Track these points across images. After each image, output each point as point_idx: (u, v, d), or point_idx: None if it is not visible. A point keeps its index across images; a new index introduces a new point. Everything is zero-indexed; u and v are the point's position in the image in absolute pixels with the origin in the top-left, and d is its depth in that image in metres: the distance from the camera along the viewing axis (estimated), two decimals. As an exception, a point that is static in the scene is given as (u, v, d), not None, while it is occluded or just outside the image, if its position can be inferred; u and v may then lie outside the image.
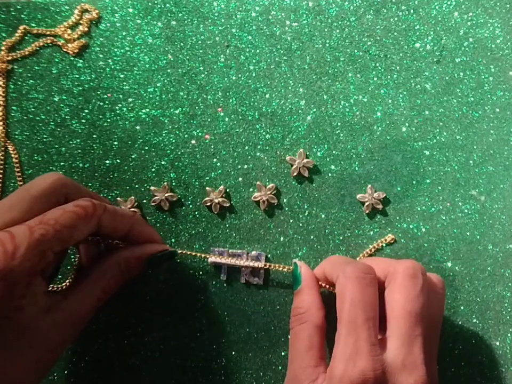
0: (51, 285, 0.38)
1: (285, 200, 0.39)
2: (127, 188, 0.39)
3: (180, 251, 0.38)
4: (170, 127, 0.39)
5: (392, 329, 0.29)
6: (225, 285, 0.39)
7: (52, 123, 0.39)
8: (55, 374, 0.38)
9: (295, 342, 0.32)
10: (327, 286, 0.35)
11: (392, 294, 0.30)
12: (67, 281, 0.38)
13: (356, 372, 0.27)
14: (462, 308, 0.38)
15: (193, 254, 0.38)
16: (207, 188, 0.39)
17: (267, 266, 0.38)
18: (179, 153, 0.39)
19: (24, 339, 0.27)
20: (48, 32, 0.40)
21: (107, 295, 0.32)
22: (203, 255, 0.38)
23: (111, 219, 0.31)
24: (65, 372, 0.38)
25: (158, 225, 0.39)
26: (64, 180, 0.31)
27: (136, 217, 0.34)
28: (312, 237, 0.39)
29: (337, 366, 0.28)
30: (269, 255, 0.39)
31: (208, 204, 0.39)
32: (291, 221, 0.39)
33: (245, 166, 0.39)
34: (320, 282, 0.35)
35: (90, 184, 0.39)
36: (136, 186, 0.39)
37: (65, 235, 0.28)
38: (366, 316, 0.29)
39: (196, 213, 0.39)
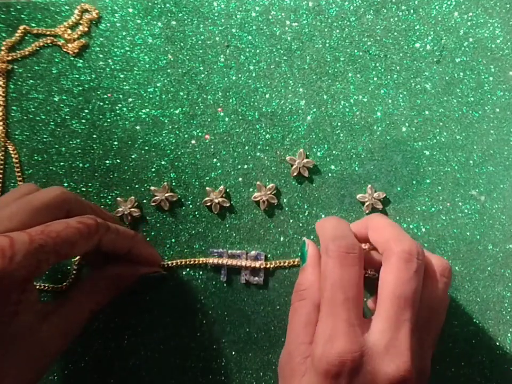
0: (51, 285, 0.38)
1: (285, 200, 0.39)
2: (127, 187, 0.39)
3: (176, 262, 0.38)
4: (170, 127, 0.39)
5: (378, 311, 0.29)
6: (225, 285, 0.39)
7: (51, 123, 0.39)
8: (55, 374, 0.38)
9: (293, 317, 0.32)
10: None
11: (385, 275, 0.29)
12: (67, 281, 0.38)
13: (333, 353, 0.27)
14: (462, 308, 0.38)
15: (192, 262, 0.38)
16: (207, 188, 0.39)
17: (267, 265, 0.38)
18: (179, 153, 0.39)
19: (19, 345, 0.27)
20: (48, 32, 0.40)
21: (99, 306, 0.33)
22: (202, 260, 0.38)
23: (113, 239, 0.32)
24: (65, 372, 0.38)
25: (158, 225, 0.39)
26: (67, 195, 0.31)
27: (137, 238, 0.34)
28: (312, 237, 0.39)
29: (316, 346, 0.28)
30: (269, 255, 0.39)
31: (208, 203, 0.39)
32: (291, 221, 0.39)
33: (245, 166, 0.39)
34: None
35: (90, 184, 0.39)
36: (136, 186, 0.39)
37: (64, 250, 0.28)
38: (345, 296, 0.28)
39: (196, 213, 0.39)
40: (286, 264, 0.38)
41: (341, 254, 0.29)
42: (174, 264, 0.38)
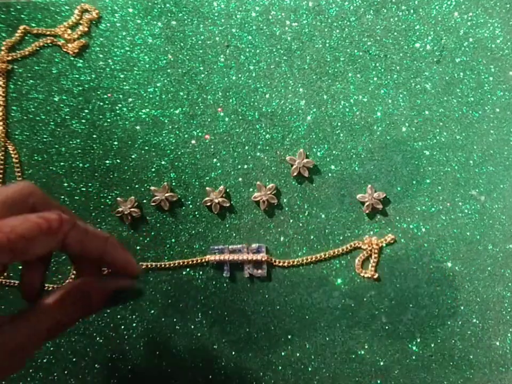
0: (51, 285, 0.38)
1: (285, 200, 0.39)
2: (127, 188, 0.39)
3: (180, 261, 0.38)
4: (170, 127, 0.39)
5: None
6: (225, 285, 0.39)
7: (51, 123, 0.39)
8: (55, 374, 0.38)
9: None
10: None
11: None
12: (67, 281, 0.39)
13: None
14: (462, 307, 0.38)
15: (192, 262, 0.38)
16: (207, 188, 0.39)
17: (269, 259, 0.38)
18: (179, 153, 0.39)
19: None
20: (48, 32, 0.40)
21: (60, 328, 0.28)
22: (204, 259, 0.38)
23: (80, 239, 0.28)
24: (65, 372, 0.38)
25: (158, 225, 0.39)
26: (32, 189, 0.28)
27: (110, 241, 0.30)
28: (312, 237, 0.39)
29: None
30: (271, 255, 0.39)
31: (208, 203, 0.39)
32: (291, 221, 0.39)
33: (245, 166, 0.39)
34: None
35: (90, 184, 0.39)
36: (136, 186, 0.39)
37: (20, 246, 0.24)
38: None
39: (196, 213, 0.39)
40: (286, 264, 0.38)
41: None
42: (176, 264, 0.38)
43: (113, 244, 0.30)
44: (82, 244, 0.28)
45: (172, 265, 0.38)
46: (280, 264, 0.38)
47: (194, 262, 0.38)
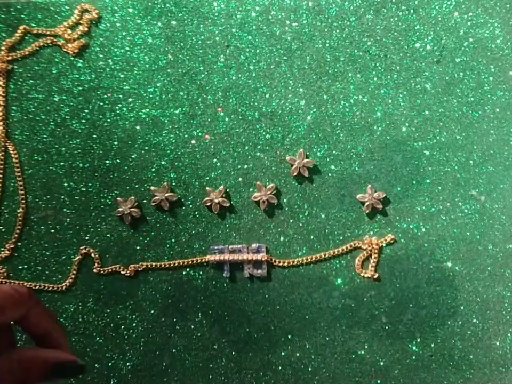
0: (51, 285, 0.38)
1: (285, 200, 0.39)
2: (127, 188, 0.39)
3: (180, 261, 0.38)
4: (170, 127, 0.39)
5: None
6: (225, 285, 0.39)
7: (51, 123, 0.39)
8: (55, 374, 0.38)
9: None
10: None
11: None
12: (67, 281, 0.39)
13: None
14: (462, 308, 0.38)
15: (192, 262, 0.38)
16: (207, 188, 0.39)
17: (269, 258, 0.38)
18: (179, 153, 0.39)
19: None
20: (48, 32, 0.40)
21: None
22: (204, 259, 0.38)
23: (38, 314, 0.29)
24: (65, 372, 0.38)
25: (158, 225, 0.39)
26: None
27: (55, 320, 0.30)
28: (312, 237, 0.39)
29: None
30: (269, 255, 0.39)
31: (208, 204, 0.39)
32: (291, 221, 0.39)
33: (245, 166, 0.39)
34: None
35: (90, 184, 0.39)
36: (136, 186, 0.39)
37: None
38: None
39: (196, 213, 0.39)
40: (286, 264, 0.38)
41: None
42: (176, 264, 0.38)
43: (56, 326, 0.30)
44: (39, 319, 0.29)
45: (171, 265, 0.38)
46: (280, 264, 0.38)
47: (194, 262, 0.38)
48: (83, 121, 0.39)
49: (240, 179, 0.39)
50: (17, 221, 0.39)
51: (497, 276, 0.38)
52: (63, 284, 0.38)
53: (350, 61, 0.39)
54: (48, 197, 0.39)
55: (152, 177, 0.39)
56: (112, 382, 0.38)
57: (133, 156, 0.39)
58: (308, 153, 0.39)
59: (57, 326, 0.30)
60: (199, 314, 0.38)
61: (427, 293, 0.38)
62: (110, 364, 0.38)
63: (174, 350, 0.38)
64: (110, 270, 0.38)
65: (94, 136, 0.39)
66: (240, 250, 0.38)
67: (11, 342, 0.30)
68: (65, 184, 0.39)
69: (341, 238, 0.39)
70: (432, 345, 0.38)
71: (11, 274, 0.39)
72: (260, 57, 0.39)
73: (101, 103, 0.39)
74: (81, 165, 0.39)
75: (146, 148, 0.39)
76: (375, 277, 0.38)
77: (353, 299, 0.38)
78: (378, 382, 0.38)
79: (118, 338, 0.38)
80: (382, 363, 0.38)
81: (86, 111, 0.39)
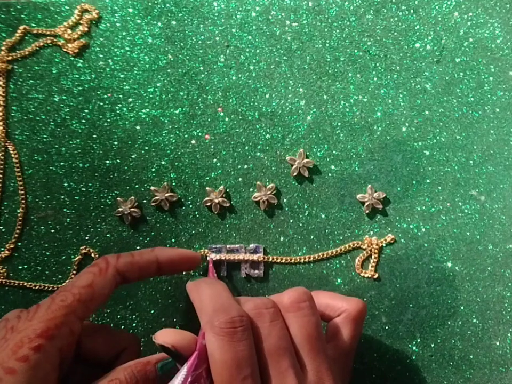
0: (51, 285, 0.38)
1: (285, 200, 0.39)
2: (127, 188, 0.39)
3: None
4: (170, 127, 0.39)
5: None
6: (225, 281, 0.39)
7: (51, 123, 0.39)
8: (55, 374, 0.38)
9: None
10: None
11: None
12: (67, 281, 0.39)
13: None
14: (462, 307, 0.38)
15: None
16: (207, 188, 0.39)
17: (265, 258, 0.38)
18: (179, 153, 0.39)
19: None
20: (48, 32, 0.40)
21: None
22: (203, 251, 0.38)
23: (129, 262, 0.31)
24: (65, 372, 0.38)
25: (158, 225, 0.39)
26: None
27: (156, 249, 0.33)
28: (312, 237, 0.39)
29: None
30: (269, 255, 0.39)
31: (208, 204, 0.39)
32: (291, 221, 0.39)
33: (245, 166, 0.39)
34: None
35: (90, 184, 0.39)
36: (136, 186, 0.39)
37: (85, 295, 0.28)
38: (242, 376, 0.26)
39: (196, 213, 0.39)
40: (284, 260, 0.38)
41: (230, 330, 0.26)
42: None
43: (161, 250, 0.33)
44: (134, 266, 0.31)
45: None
46: (278, 260, 0.38)
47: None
48: (83, 121, 0.39)
49: (240, 179, 0.39)
50: (17, 221, 0.39)
51: (497, 276, 0.38)
52: (63, 284, 0.38)
53: (350, 61, 0.39)
54: (48, 197, 0.39)
55: (152, 177, 0.39)
56: (112, 382, 0.38)
57: (133, 156, 0.39)
58: (308, 153, 0.39)
59: (159, 252, 0.33)
60: (199, 314, 0.38)
61: (427, 293, 0.38)
62: (110, 363, 0.38)
63: (174, 350, 0.38)
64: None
65: (94, 136, 0.39)
66: (237, 250, 0.38)
67: (138, 355, 0.32)
68: (65, 184, 0.39)
69: (341, 238, 0.39)
70: (432, 345, 0.38)
71: (11, 274, 0.39)
72: (260, 57, 0.39)
73: (101, 103, 0.39)
74: (81, 165, 0.39)
75: (146, 147, 0.39)
76: (375, 277, 0.38)
77: (353, 299, 0.38)
78: (378, 382, 0.38)
79: (118, 338, 0.38)
80: (382, 363, 0.38)
81: (86, 111, 0.39)
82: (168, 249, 0.35)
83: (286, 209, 0.39)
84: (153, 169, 0.39)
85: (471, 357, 0.38)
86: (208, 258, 0.38)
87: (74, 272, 0.38)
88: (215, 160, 0.39)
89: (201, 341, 0.27)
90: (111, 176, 0.39)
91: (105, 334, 0.31)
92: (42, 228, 0.39)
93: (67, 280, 0.38)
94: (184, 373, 0.26)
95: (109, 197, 0.39)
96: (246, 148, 0.39)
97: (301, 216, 0.39)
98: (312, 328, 0.29)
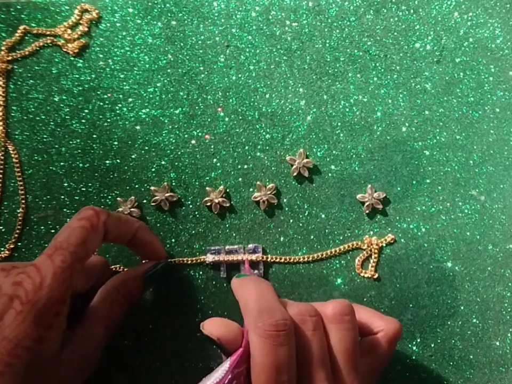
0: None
1: (285, 200, 0.39)
2: (127, 188, 0.39)
3: (176, 260, 0.38)
4: (170, 127, 0.39)
5: None
6: (225, 285, 0.39)
7: (51, 123, 0.39)
8: (55, 374, 0.38)
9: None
10: None
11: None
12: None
13: None
14: (462, 308, 0.38)
15: (189, 261, 0.38)
16: (207, 188, 0.39)
17: (264, 258, 0.38)
18: (179, 153, 0.39)
19: (40, 375, 0.27)
20: (48, 32, 0.40)
21: (114, 322, 0.32)
22: (201, 259, 0.38)
23: (116, 224, 0.31)
24: (65, 372, 0.38)
25: (158, 225, 0.39)
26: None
27: (140, 224, 0.34)
28: (312, 237, 0.39)
29: None
30: (269, 255, 0.39)
31: (208, 204, 0.39)
32: (291, 221, 0.39)
33: (245, 166, 0.39)
34: None
35: (90, 184, 0.39)
36: (136, 186, 0.39)
37: (81, 253, 0.28)
38: (280, 381, 0.26)
39: (196, 213, 0.39)
40: (284, 260, 0.38)
41: (272, 333, 0.26)
42: (173, 262, 0.38)
43: (143, 227, 0.34)
44: (119, 228, 0.32)
45: (171, 263, 0.38)
46: (278, 260, 0.38)
47: (192, 261, 0.38)
48: (83, 121, 0.39)
49: (240, 179, 0.39)
50: (17, 221, 0.39)
51: (497, 276, 0.38)
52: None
53: (350, 61, 0.39)
54: (48, 197, 0.39)
55: (152, 177, 0.39)
56: (111, 382, 0.38)
57: (133, 156, 0.39)
58: (308, 153, 0.39)
59: (139, 227, 0.34)
60: (199, 314, 0.38)
61: (427, 293, 0.38)
62: (110, 364, 0.38)
63: (174, 350, 0.38)
64: (114, 269, 0.38)
65: (94, 136, 0.39)
66: (236, 251, 0.38)
67: (112, 273, 0.35)
68: (65, 184, 0.39)
69: (341, 238, 0.39)
70: (432, 345, 0.38)
71: (11, 274, 0.39)
72: (260, 57, 0.39)
73: (101, 103, 0.39)
74: (81, 165, 0.39)
75: (146, 147, 0.39)
76: (375, 277, 0.38)
77: (353, 299, 0.38)
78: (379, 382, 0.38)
79: (118, 339, 0.38)
80: (382, 363, 0.38)
81: (86, 111, 0.39)
82: (148, 233, 0.35)
83: (286, 209, 0.39)
84: (153, 169, 0.39)
85: (471, 357, 0.38)
86: (244, 258, 0.38)
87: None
88: (215, 160, 0.39)
89: (247, 337, 0.27)
90: (111, 176, 0.39)
91: (81, 270, 0.31)
92: (42, 227, 0.39)
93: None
94: (226, 368, 0.26)
95: (109, 197, 0.39)
96: (246, 147, 0.39)
97: (301, 216, 0.39)
98: (351, 343, 0.29)
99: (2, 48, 0.39)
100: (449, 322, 0.38)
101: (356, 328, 0.30)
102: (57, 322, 0.27)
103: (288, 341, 0.27)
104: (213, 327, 0.29)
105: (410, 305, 0.38)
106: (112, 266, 0.38)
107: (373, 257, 0.38)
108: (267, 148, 0.39)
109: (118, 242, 0.34)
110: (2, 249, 0.39)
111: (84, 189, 0.39)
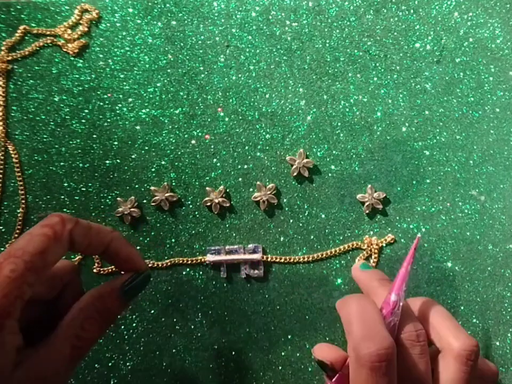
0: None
1: (285, 200, 0.39)
2: (127, 188, 0.39)
3: (176, 260, 0.38)
4: (170, 127, 0.39)
5: None
6: (225, 285, 0.39)
7: (51, 123, 0.39)
8: (55, 374, 0.38)
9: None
10: None
11: (443, 374, 0.28)
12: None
13: None
14: (462, 308, 0.38)
15: (189, 261, 0.38)
16: (207, 188, 0.39)
17: (265, 259, 0.38)
18: (179, 153, 0.39)
19: None
20: (48, 32, 0.40)
21: (85, 342, 0.28)
22: (201, 259, 0.38)
23: (84, 234, 0.28)
24: (65, 372, 0.38)
25: (158, 225, 0.39)
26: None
27: (114, 235, 0.30)
28: (312, 237, 0.39)
29: None
30: (269, 255, 0.39)
31: (208, 204, 0.39)
32: (291, 221, 0.39)
33: (245, 166, 0.39)
34: None
35: (90, 184, 0.39)
36: (136, 186, 0.39)
37: (38, 263, 0.25)
38: None
39: (196, 213, 0.39)
40: (284, 260, 0.38)
41: (375, 363, 0.26)
42: (173, 262, 0.38)
43: (117, 238, 0.30)
44: (87, 238, 0.28)
45: (171, 263, 0.38)
46: (278, 260, 0.38)
47: (192, 261, 0.38)
48: (83, 121, 0.39)
49: (240, 179, 0.39)
50: (17, 221, 0.39)
51: (497, 276, 0.38)
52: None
53: (350, 61, 0.39)
54: (48, 197, 0.39)
55: (152, 177, 0.39)
56: (112, 382, 0.38)
57: (133, 156, 0.39)
58: (308, 153, 0.39)
59: (113, 239, 0.29)
60: (199, 314, 0.38)
61: (427, 293, 0.38)
62: (110, 364, 0.38)
63: (174, 350, 0.38)
64: (110, 270, 0.38)
65: (94, 136, 0.39)
66: (236, 251, 0.38)
67: (83, 292, 0.30)
68: (65, 184, 0.39)
69: (341, 238, 0.39)
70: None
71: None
72: (260, 57, 0.39)
73: (101, 103, 0.39)
74: (81, 165, 0.39)
75: (146, 148, 0.39)
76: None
77: (353, 299, 0.38)
78: (378, 382, 0.38)
79: (118, 338, 0.38)
80: (382, 363, 0.38)
81: (86, 111, 0.39)
82: (124, 245, 0.30)
83: (286, 209, 0.39)
84: (153, 169, 0.39)
85: (471, 357, 0.38)
86: (418, 235, 0.36)
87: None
88: (215, 160, 0.39)
89: (347, 363, 0.28)
90: (111, 176, 0.39)
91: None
92: (42, 228, 0.39)
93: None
94: None
95: (109, 197, 0.39)
96: (246, 147, 0.39)
97: (301, 216, 0.39)
98: (463, 382, 0.28)
99: (2, 48, 0.39)
100: (449, 322, 0.38)
101: (475, 372, 0.28)
102: (0, 339, 0.24)
103: (390, 372, 0.26)
104: (324, 352, 0.29)
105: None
106: (105, 268, 0.38)
107: (373, 257, 0.38)
108: (267, 147, 0.39)
109: (89, 253, 0.31)
110: (2, 249, 0.39)
111: (84, 189, 0.39)
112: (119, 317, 0.38)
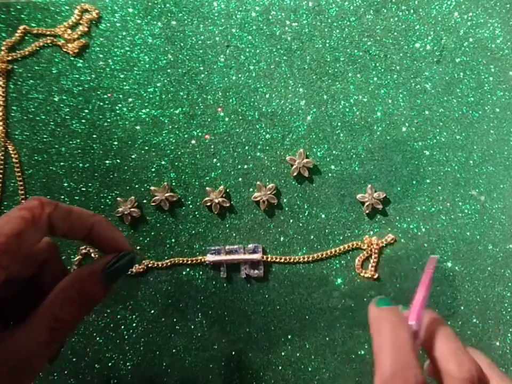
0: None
1: (285, 200, 0.39)
2: (127, 188, 0.39)
3: (177, 260, 0.38)
4: (170, 127, 0.39)
5: None
6: (225, 284, 0.39)
7: (51, 123, 0.39)
8: (55, 374, 0.38)
9: None
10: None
11: None
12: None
13: None
14: (462, 308, 0.38)
15: (190, 261, 0.38)
16: (207, 188, 0.39)
17: (265, 259, 0.38)
18: (179, 153, 0.39)
19: None
20: (48, 32, 0.40)
21: (63, 324, 0.27)
22: (201, 259, 0.38)
23: (64, 218, 0.27)
24: (65, 372, 0.38)
25: (158, 225, 0.39)
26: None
27: (96, 218, 0.29)
28: (312, 237, 0.39)
29: None
30: (269, 255, 0.39)
31: (208, 204, 0.39)
32: (291, 221, 0.39)
33: (245, 166, 0.39)
34: None
35: (90, 184, 0.39)
36: (136, 186, 0.39)
37: (12, 245, 0.24)
38: None
39: (196, 213, 0.39)
40: (284, 260, 0.38)
41: None
42: (173, 262, 0.38)
43: (100, 221, 0.29)
44: (68, 223, 0.27)
45: (171, 263, 0.38)
46: (278, 260, 0.38)
47: (192, 261, 0.38)
48: (83, 121, 0.39)
49: (240, 179, 0.39)
50: (17, 221, 0.39)
51: (497, 276, 0.38)
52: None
53: (350, 61, 0.39)
54: (48, 197, 0.39)
55: (152, 177, 0.39)
56: (112, 382, 0.38)
57: (133, 156, 0.39)
58: (308, 153, 0.39)
59: (95, 223, 0.29)
60: (199, 314, 0.38)
61: (427, 293, 0.38)
62: (110, 364, 0.38)
63: (174, 350, 0.38)
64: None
65: (94, 136, 0.39)
66: (236, 251, 0.38)
67: (63, 268, 0.30)
68: (65, 184, 0.39)
69: (341, 238, 0.39)
70: (432, 345, 0.38)
71: (11, 274, 0.39)
72: (260, 57, 0.39)
73: (101, 103, 0.39)
74: (81, 165, 0.39)
75: (146, 148, 0.39)
76: (375, 277, 0.38)
77: (353, 299, 0.38)
78: (378, 382, 0.38)
79: (118, 338, 0.38)
80: (382, 363, 0.38)
81: (86, 111, 0.39)
82: (107, 228, 0.29)
83: (286, 209, 0.39)
84: (153, 169, 0.39)
85: (471, 357, 0.38)
86: (431, 256, 0.31)
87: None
88: (215, 160, 0.39)
89: None
90: (111, 176, 0.39)
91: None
92: (42, 227, 0.39)
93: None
94: None
95: (109, 197, 0.39)
96: (246, 147, 0.39)
97: (301, 216, 0.39)
98: None
99: (2, 48, 0.39)
100: (449, 322, 0.38)
101: None
102: None
103: None
104: None
105: (410, 305, 0.38)
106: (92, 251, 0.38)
107: (373, 257, 0.38)
108: (267, 147, 0.39)
109: (70, 238, 0.29)
110: (2, 249, 0.39)
111: (84, 189, 0.39)
112: (119, 316, 0.38)
